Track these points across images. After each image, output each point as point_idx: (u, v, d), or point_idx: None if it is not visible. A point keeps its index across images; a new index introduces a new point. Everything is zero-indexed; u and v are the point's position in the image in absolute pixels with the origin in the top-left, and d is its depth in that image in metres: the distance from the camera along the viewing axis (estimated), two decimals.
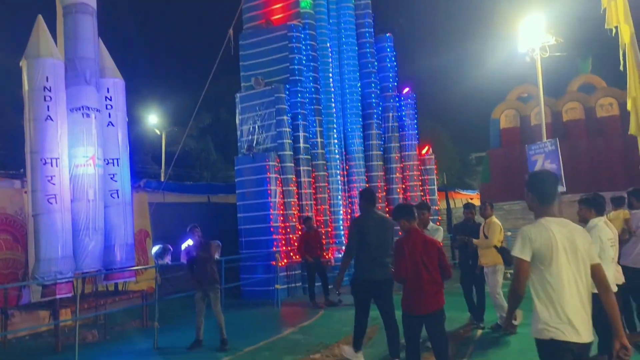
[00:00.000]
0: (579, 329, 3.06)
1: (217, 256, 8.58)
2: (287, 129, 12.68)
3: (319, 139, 13.29)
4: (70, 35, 8.94)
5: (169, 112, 27.76)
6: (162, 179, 25.27)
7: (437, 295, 4.75)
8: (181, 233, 10.83)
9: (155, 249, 8.35)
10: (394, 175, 14.78)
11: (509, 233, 7.22)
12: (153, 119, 25.00)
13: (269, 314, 10.13)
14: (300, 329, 8.56)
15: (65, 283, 8.15)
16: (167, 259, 8.25)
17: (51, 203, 8.10)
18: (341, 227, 13.56)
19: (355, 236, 6.04)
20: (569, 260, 3.10)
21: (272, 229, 11.92)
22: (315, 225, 11.74)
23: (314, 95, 13.29)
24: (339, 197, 13.72)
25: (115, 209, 9.28)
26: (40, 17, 8.57)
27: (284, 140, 12.55)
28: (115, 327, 9.41)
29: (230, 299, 11.39)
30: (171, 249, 8.36)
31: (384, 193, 14.55)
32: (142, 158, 34.47)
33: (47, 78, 8.25)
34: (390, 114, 15.09)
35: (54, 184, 8.17)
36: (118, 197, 9.36)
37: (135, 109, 27.78)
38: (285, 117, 12.66)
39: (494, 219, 7.63)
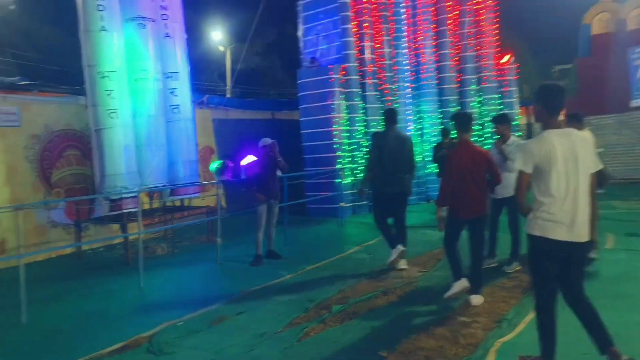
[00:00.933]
0: (573, 230, 3.36)
1: (278, 173, 8.29)
2: (353, 39, 11.79)
3: (386, 49, 12.32)
4: None
5: (233, 28, 27.10)
6: (228, 95, 25.25)
7: (480, 205, 5.12)
8: (245, 149, 10.63)
9: (214, 164, 8.14)
10: (469, 88, 13.63)
11: (602, 149, 6.31)
12: (217, 36, 24.47)
13: (333, 232, 9.91)
14: (365, 248, 8.26)
15: (132, 198, 8.18)
16: (227, 175, 8.05)
17: (112, 117, 7.98)
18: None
19: (374, 150, 6.60)
20: (569, 168, 3.35)
21: (335, 146, 11.44)
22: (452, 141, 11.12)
23: (381, 0, 12.17)
24: (408, 112, 12.89)
25: (176, 124, 9.09)
26: None
27: (349, 51, 11.72)
28: (183, 242, 9.57)
29: (294, 215, 11.27)
30: (230, 165, 8.13)
31: (459, 107, 13.51)
32: (209, 76, 34.54)
33: None
34: (467, 19, 13.68)
35: (113, 98, 7.99)
36: (179, 112, 9.13)
37: (200, 25, 27.36)
38: (350, 26, 11.74)
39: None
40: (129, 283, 6.64)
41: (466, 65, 13.65)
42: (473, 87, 13.63)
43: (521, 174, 3.47)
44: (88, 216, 8.77)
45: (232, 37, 26.84)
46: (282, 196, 8.71)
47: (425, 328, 4.57)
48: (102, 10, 7.88)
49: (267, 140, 7.58)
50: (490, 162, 5.17)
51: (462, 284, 5.21)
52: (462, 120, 5.27)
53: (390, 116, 6.77)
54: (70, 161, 9.43)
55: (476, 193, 5.07)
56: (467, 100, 13.61)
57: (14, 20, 19.23)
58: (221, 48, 25.69)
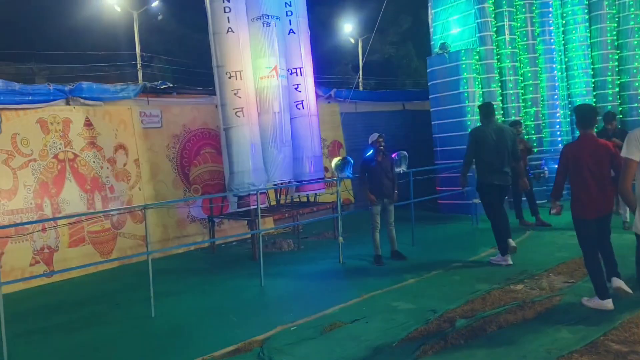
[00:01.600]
0: None
1: (402, 168, 7.84)
2: (489, 19, 10.80)
3: (529, 27, 11.09)
4: None
5: (365, 19, 26.85)
6: (361, 89, 25.12)
7: (606, 201, 4.78)
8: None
9: (335, 161, 7.93)
10: (631, 66, 11.75)
11: None
12: (348, 28, 24.42)
13: (466, 231, 9.17)
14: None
15: (258, 194, 8.31)
16: (348, 172, 7.78)
17: (239, 116, 8.16)
18: (557, 134, 11.48)
19: (472, 146, 6.73)
20: None
21: None
22: (521, 131, 9.99)
23: None
24: (555, 97, 11.50)
25: (301, 120, 9.06)
26: None
27: (485, 33, 10.75)
28: (310, 237, 9.56)
29: (425, 211, 10.70)
30: (352, 161, 7.85)
31: (616, 89, 11.74)
32: (343, 69, 34.78)
33: None
34: None
35: (240, 97, 8.16)
36: (303, 108, 9.09)
37: (331, 18, 27.56)
38: (486, 5, 10.75)
39: None
40: (252, 280, 6.70)
41: (626, 41, 11.76)
42: (634, 65, 11.71)
43: (628, 161, 3.51)
44: (221, 212, 9.14)
45: (364, 28, 26.64)
46: (407, 193, 8.25)
47: (568, 356, 3.85)
48: (228, 12, 8.07)
49: (374, 136, 7.15)
50: (613, 155, 4.73)
51: (607, 304, 4.68)
52: (585, 116, 4.87)
53: (484, 110, 6.85)
54: (206, 159, 9.92)
55: (600, 190, 4.74)
56: (629, 80, 11.74)
57: (165, 28, 21.00)
58: (352, 40, 25.63)
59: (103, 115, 8.66)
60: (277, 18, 8.64)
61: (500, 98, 10.94)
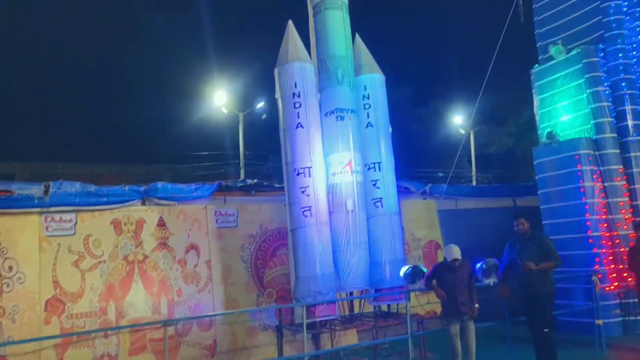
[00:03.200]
0: None
1: (492, 280, 6.47)
2: (606, 104, 9.35)
3: None
4: (321, 34, 8.32)
5: (482, 109, 25.80)
6: (474, 183, 23.58)
7: None
8: (480, 244, 9.02)
9: (404, 270, 6.80)
10: None
11: None
12: (458, 120, 23.51)
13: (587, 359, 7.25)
14: None
15: (327, 305, 7.39)
16: (420, 283, 6.58)
17: (306, 216, 7.51)
18: None
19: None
20: None
21: (590, 240, 8.82)
22: None
23: None
24: None
25: (379, 219, 8.15)
26: (290, 22, 8.23)
27: (602, 119, 9.27)
28: (392, 356, 8.24)
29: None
30: (425, 270, 6.65)
31: None
32: (459, 161, 33.37)
33: (295, 83, 7.77)
34: None
35: (308, 195, 7.56)
36: (382, 206, 8.20)
37: (439, 109, 26.87)
38: (601, 88, 9.38)
39: None
40: None
41: None
42: None
43: None
44: (291, 322, 8.27)
45: (480, 119, 25.54)
46: (499, 309, 6.78)
47: None
48: (298, 108, 7.74)
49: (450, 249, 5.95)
50: None
51: None
52: None
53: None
54: (282, 261, 9.29)
55: None
56: None
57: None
58: (462, 131, 24.60)
59: (177, 214, 8.54)
60: (352, 112, 8.12)
61: (628, 192, 9.13)
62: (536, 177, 10.00)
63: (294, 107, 7.73)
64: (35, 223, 7.40)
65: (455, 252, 6.15)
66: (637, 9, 9.65)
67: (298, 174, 7.62)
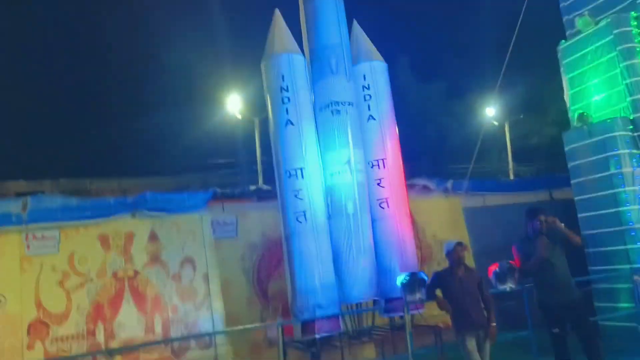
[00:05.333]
0: None
1: (509, 285, 5.54)
2: None
3: None
4: (311, 24, 7.61)
5: (513, 99, 24.32)
6: (511, 177, 22.17)
7: None
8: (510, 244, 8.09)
9: (400, 278, 5.93)
10: None
11: None
12: (491, 112, 22.13)
13: None
14: None
15: (327, 319, 6.64)
16: (420, 294, 5.70)
17: (300, 222, 6.78)
18: None
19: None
20: None
21: (632, 233, 7.69)
22: None
23: None
24: None
25: (386, 222, 7.34)
26: (277, 11, 7.55)
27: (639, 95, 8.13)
28: None
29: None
30: (426, 278, 5.78)
31: None
32: (498, 156, 31.77)
33: (282, 77, 7.07)
34: None
35: (301, 199, 6.83)
36: (388, 207, 7.38)
37: (472, 98, 25.45)
38: (636, 61, 8.24)
39: None
40: None
41: None
42: None
43: None
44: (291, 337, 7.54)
45: (512, 109, 24.05)
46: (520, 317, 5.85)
47: None
48: (287, 103, 7.04)
49: (450, 245, 5.12)
50: None
51: None
52: None
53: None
54: None
55: None
56: None
57: None
58: (495, 123, 23.18)
59: (170, 226, 7.98)
60: (349, 104, 7.34)
61: None
62: (569, 166, 8.91)
63: (282, 103, 7.04)
64: (15, 242, 6.99)
65: (449, 244, 5.28)
66: None
67: (289, 176, 6.91)
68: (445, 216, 10.37)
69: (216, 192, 8.37)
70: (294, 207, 6.84)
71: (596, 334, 5.47)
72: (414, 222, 10.12)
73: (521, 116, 24.48)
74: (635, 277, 6.50)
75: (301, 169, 6.90)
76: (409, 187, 10.17)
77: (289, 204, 6.87)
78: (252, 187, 9.11)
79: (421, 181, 10.20)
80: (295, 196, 6.84)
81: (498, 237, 9.68)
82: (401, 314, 7.29)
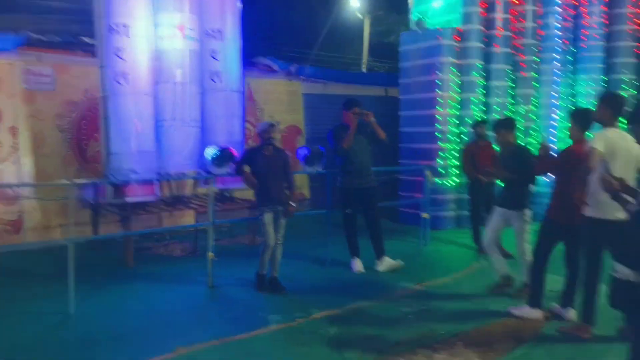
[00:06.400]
0: None
1: (315, 169, 6.00)
2: None
3: (529, 6, 8.99)
4: None
5: None
6: (364, 70, 22.89)
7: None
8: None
9: (210, 151, 6.11)
10: None
11: None
12: (355, 2, 22.13)
13: (411, 252, 7.25)
14: (444, 285, 5.67)
15: (142, 184, 6.61)
16: (228, 168, 5.97)
17: (120, 84, 6.41)
18: (551, 139, 9.40)
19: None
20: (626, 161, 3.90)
21: (437, 135, 8.64)
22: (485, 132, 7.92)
23: None
24: (555, 94, 9.38)
25: (215, 96, 7.25)
26: None
27: (471, 8, 8.70)
28: (221, 241, 7.79)
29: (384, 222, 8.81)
30: (234, 154, 6.03)
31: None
32: (356, 48, 32.42)
33: None
34: None
35: (123, 59, 6.39)
36: (221, 81, 7.27)
37: None
38: None
39: None
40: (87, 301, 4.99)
41: None
42: None
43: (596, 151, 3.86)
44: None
45: (376, 4, 24.26)
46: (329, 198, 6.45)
47: None
48: None
49: (264, 125, 5.37)
50: None
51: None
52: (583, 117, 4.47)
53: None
54: None
55: None
56: None
57: None
58: (359, 15, 23.40)
59: None
60: None
61: (484, 91, 8.91)
62: (400, 66, 9.47)
63: None
64: None
65: (262, 124, 5.53)
66: None
67: (112, 31, 6.36)
68: (285, 99, 10.55)
69: (30, 38, 7.44)
70: (114, 67, 6.39)
71: (379, 216, 6.28)
72: (253, 101, 10.24)
73: (381, 12, 24.86)
74: (427, 172, 7.41)
75: (126, 26, 6.37)
76: (252, 65, 10.10)
77: (109, 63, 6.40)
78: (79, 39, 8.24)
79: (265, 61, 10.11)
80: (116, 54, 6.37)
81: (332, 124, 10.20)
82: (220, 186, 7.57)
